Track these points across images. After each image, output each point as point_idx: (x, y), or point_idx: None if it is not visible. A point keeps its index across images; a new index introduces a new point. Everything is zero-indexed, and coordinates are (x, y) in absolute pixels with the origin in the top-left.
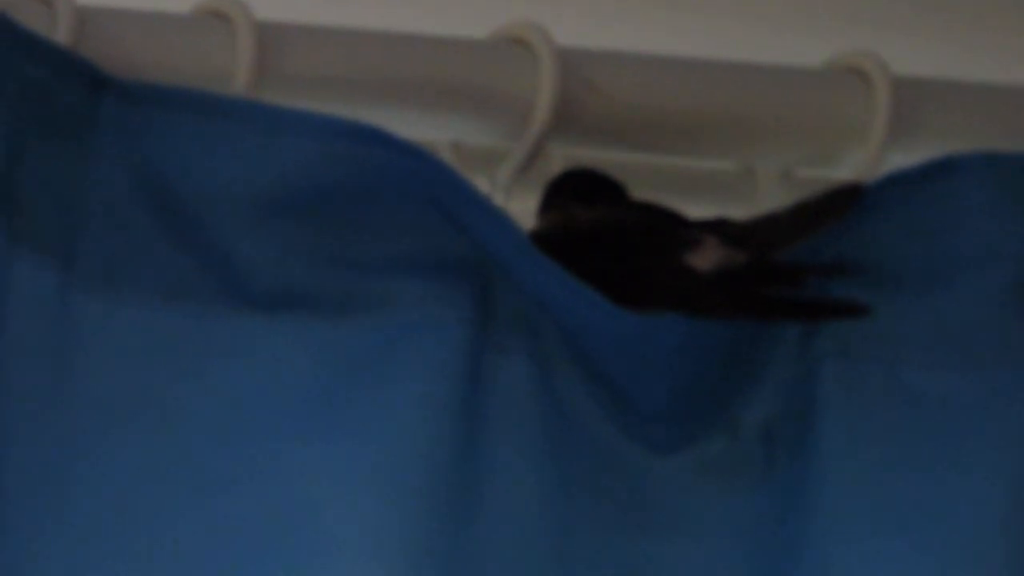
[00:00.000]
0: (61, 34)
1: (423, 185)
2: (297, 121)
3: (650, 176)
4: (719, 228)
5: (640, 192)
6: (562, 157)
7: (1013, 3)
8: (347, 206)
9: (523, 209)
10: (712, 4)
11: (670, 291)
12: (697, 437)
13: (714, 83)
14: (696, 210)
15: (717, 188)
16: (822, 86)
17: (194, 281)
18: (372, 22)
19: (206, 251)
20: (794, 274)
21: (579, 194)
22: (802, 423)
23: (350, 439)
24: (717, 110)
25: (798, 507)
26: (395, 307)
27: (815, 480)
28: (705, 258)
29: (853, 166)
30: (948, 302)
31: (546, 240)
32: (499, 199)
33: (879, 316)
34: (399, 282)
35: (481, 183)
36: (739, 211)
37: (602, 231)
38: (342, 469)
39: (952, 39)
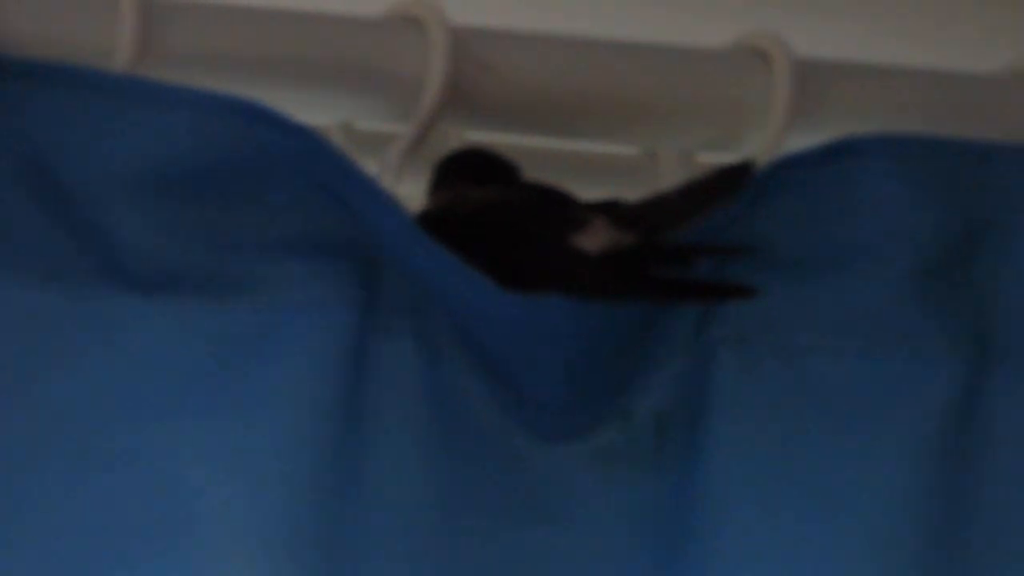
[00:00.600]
0: None
1: (308, 165)
2: (178, 97)
3: (549, 160)
4: (610, 209)
5: (540, 176)
6: (459, 139)
7: None
8: (229, 185)
9: (414, 191)
10: None
11: (556, 272)
12: (590, 426)
13: (613, 64)
14: (598, 195)
15: (619, 172)
16: (723, 67)
17: (72, 261)
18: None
19: (85, 230)
20: (683, 255)
21: (470, 174)
22: (696, 411)
23: (231, 420)
24: (616, 91)
25: (690, 496)
26: (277, 288)
27: (707, 468)
28: (593, 239)
29: (754, 149)
30: (846, 287)
31: (433, 221)
32: (388, 180)
33: (776, 301)
34: (282, 263)
35: (373, 164)
36: (641, 195)
37: (489, 211)
38: (222, 450)
39: (854, 21)
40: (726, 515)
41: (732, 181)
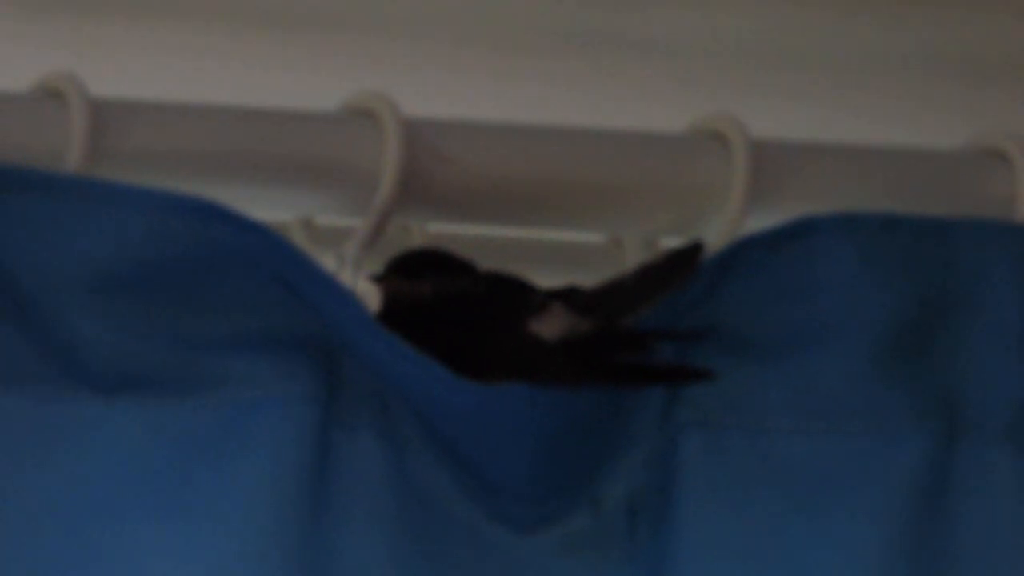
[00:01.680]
0: None
1: (264, 261)
2: (131, 197)
3: (514, 249)
4: (567, 296)
5: (505, 266)
6: (420, 232)
7: (872, 65)
8: (186, 283)
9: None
10: (565, 73)
11: (513, 360)
12: (560, 514)
13: (569, 151)
14: (565, 283)
15: (584, 259)
16: (681, 151)
17: (33, 364)
18: (214, 96)
19: (44, 333)
20: (639, 340)
21: (421, 270)
22: (664, 495)
23: (193, 520)
24: (573, 178)
25: None
26: (237, 385)
27: (678, 552)
28: (550, 325)
29: (714, 231)
30: (809, 366)
31: (391, 316)
32: (347, 275)
33: (740, 382)
34: (241, 360)
35: (332, 259)
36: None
37: (444, 301)
38: (186, 551)
39: (810, 101)
40: None
41: (685, 262)
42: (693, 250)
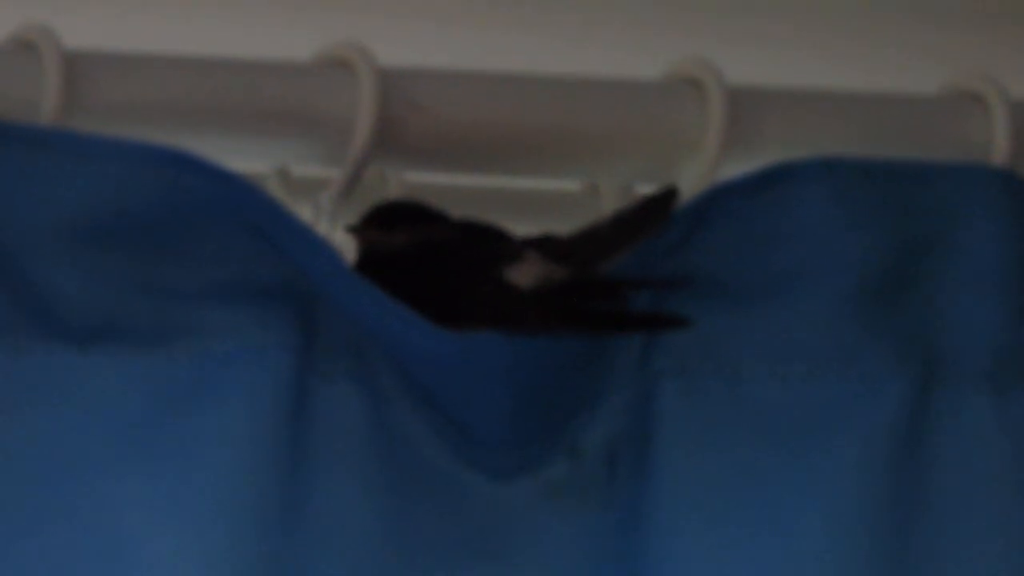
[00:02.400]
0: None
1: (238, 211)
2: (105, 148)
3: (491, 198)
4: (543, 244)
5: (481, 214)
6: (397, 181)
7: (848, 9)
8: (160, 234)
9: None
10: (541, 21)
11: (489, 308)
12: (538, 462)
13: (546, 99)
14: (542, 231)
15: (560, 207)
16: (657, 98)
17: (6, 316)
18: (188, 47)
19: (17, 284)
20: (614, 288)
21: (395, 223)
22: (643, 442)
23: (170, 471)
24: (549, 126)
25: (641, 525)
26: (213, 335)
27: (655, 499)
28: (525, 273)
29: (690, 178)
30: (787, 312)
31: (367, 265)
32: (323, 225)
33: (717, 328)
34: (217, 310)
35: (309, 209)
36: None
37: (420, 249)
38: (164, 501)
39: (785, 46)
40: (677, 544)
41: (659, 208)
42: (667, 195)
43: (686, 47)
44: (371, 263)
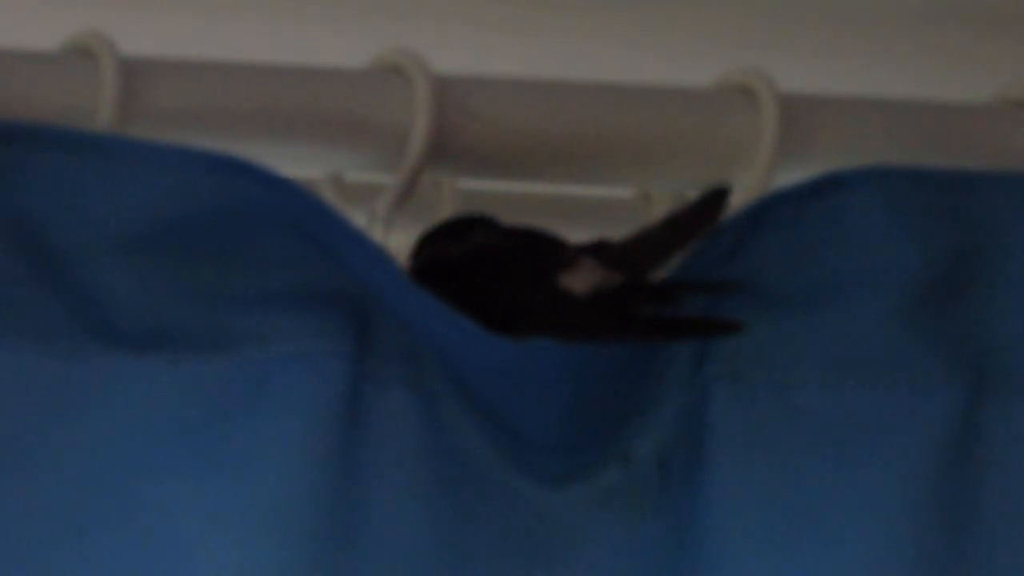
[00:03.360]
0: None
1: (293, 218)
2: (159, 154)
3: (545, 205)
4: (597, 250)
5: (534, 222)
6: (452, 188)
7: (900, 18)
8: (216, 240)
9: (404, 241)
10: (594, 28)
11: (544, 315)
12: (590, 468)
13: (599, 107)
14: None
15: (614, 215)
16: (709, 106)
17: (62, 321)
18: (244, 54)
19: (74, 290)
20: (668, 293)
21: (454, 238)
22: (695, 449)
23: (226, 476)
24: (602, 134)
25: (692, 533)
26: (268, 342)
27: (708, 505)
28: (580, 279)
29: (743, 186)
30: (839, 320)
31: (420, 273)
32: (378, 231)
33: (769, 336)
34: (272, 317)
35: (363, 216)
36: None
37: (475, 257)
38: (218, 507)
39: (838, 55)
40: (728, 552)
41: (711, 208)
42: (718, 194)
43: (738, 55)
44: (428, 271)
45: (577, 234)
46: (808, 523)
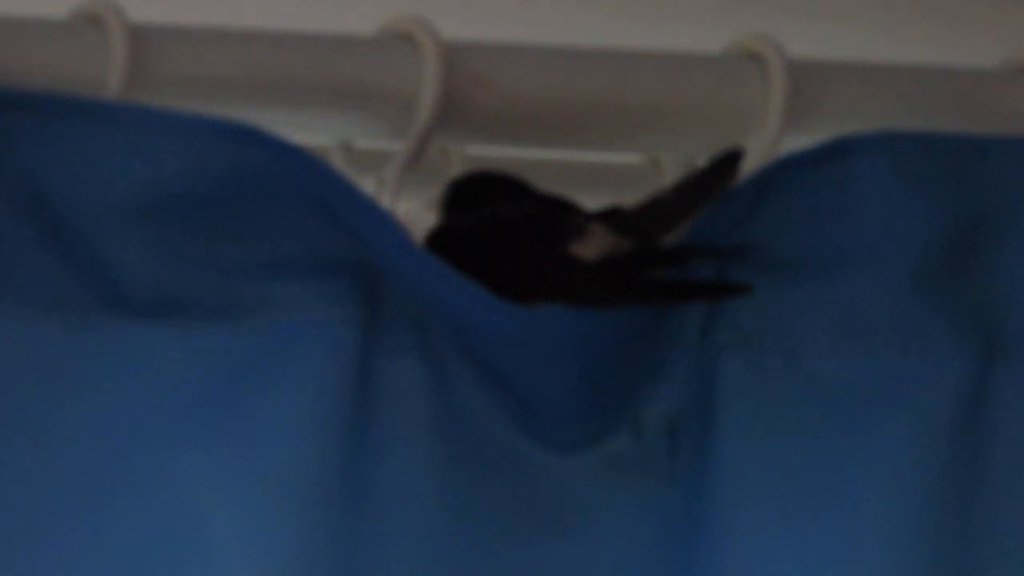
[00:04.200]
0: None
1: (303, 185)
2: (169, 122)
3: (552, 171)
4: (609, 216)
5: (543, 188)
6: (460, 155)
7: None
8: (225, 208)
9: (413, 207)
10: None
11: (554, 282)
12: (600, 436)
13: (607, 73)
14: (603, 204)
15: (623, 181)
16: (718, 72)
17: (73, 291)
18: (252, 21)
19: (85, 258)
20: (679, 258)
21: (481, 196)
22: (705, 415)
23: (237, 444)
24: (610, 100)
25: (702, 499)
26: (278, 310)
27: (718, 471)
28: (590, 246)
29: (752, 151)
30: (848, 287)
31: (437, 239)
32: (387, 198)
33: (779, 302)
34: (282, 284)
35: (372, 183)
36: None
37: (488, 225)
38: (230, 475)
39: (846, 20)
40: (738, 518)
41: (725, 171)
42: (732, 157)
43: (747, 21)
44: (440, 239)
45: (586, 200)
46: (818, 489)
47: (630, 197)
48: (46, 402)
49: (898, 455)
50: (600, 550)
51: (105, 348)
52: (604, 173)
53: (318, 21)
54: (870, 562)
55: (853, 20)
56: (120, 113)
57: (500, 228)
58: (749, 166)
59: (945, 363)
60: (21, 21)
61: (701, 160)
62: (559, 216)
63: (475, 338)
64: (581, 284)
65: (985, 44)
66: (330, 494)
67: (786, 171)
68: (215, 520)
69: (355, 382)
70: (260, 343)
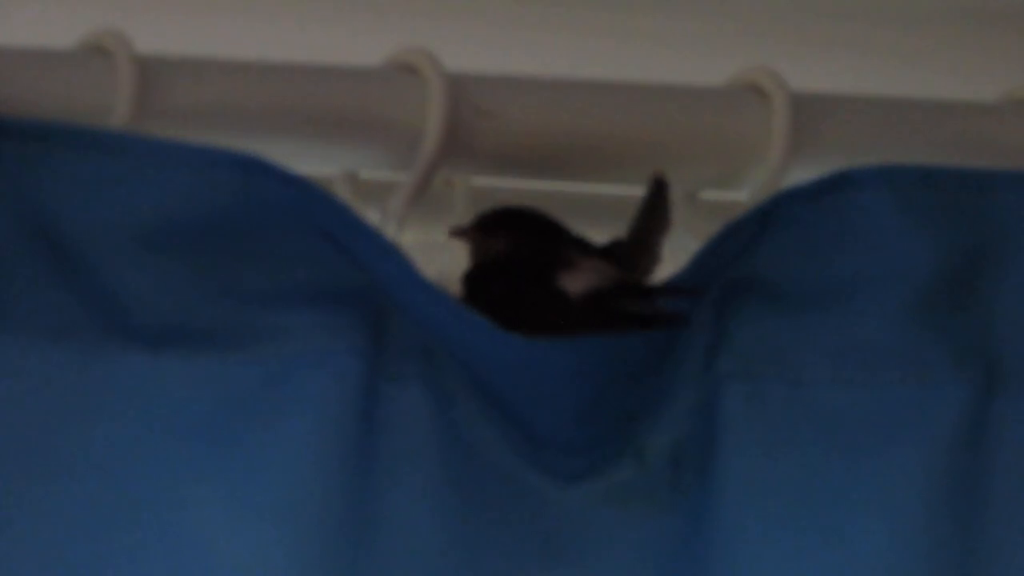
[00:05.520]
0: None
1: (308, 215)
2: (175, 152)
3: (557, 203)
4: (611, 250)
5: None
6: (464, 186)
7: (911, 17)
8: (231, 238)
9: (418, 238)
10: (608, 28)
11: (542, 315)
12: (604, 465)
13: (612, 105)
14: (604, 235)
15: (628, 213)
16: (721, 105)
17: (81, 319)
18: (259, 52)
19: (92, 288)
20: (645, 293)
21: (506, 230)
22: (707, 446)
23: (242, 473)
24: (615, 132)
25: (704, 529)
26: (284, 339)
27: (720, 501)
28: (578, 280)
29: (755, 184)
30: (849, 318)
31: (467, 276)
32: (392, 229)
33: (781, 333)
34: (288, 314)
35: (377, 214)
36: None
37: (498, 260)
38: (234, 503)
39: (848, 54)
40: (741, 547)
41: (656, 202)
42: (656, 187)
43: (750, 54)
44: (473, 273)
45: (589, 232)
46: (820, 519)
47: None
48: (52, 430)
49: (899, 484)
50: None
51: (111, 376)
52: (607, 205)
53: (324, 53)
54: None
55: (855, 54)
56: (126, 143)
57: (500, 263)
58: (751, 198)
59: (945, 393)
60: (29, 51)
61: (704, 192)
62: (554, 250)
63: (479, 368)
64: (563, 316)
65: (987, 78)
66: (334, 522)
67: (788, 203)
68: (219, 548)
69: (359, 411)
70: (265, 372)
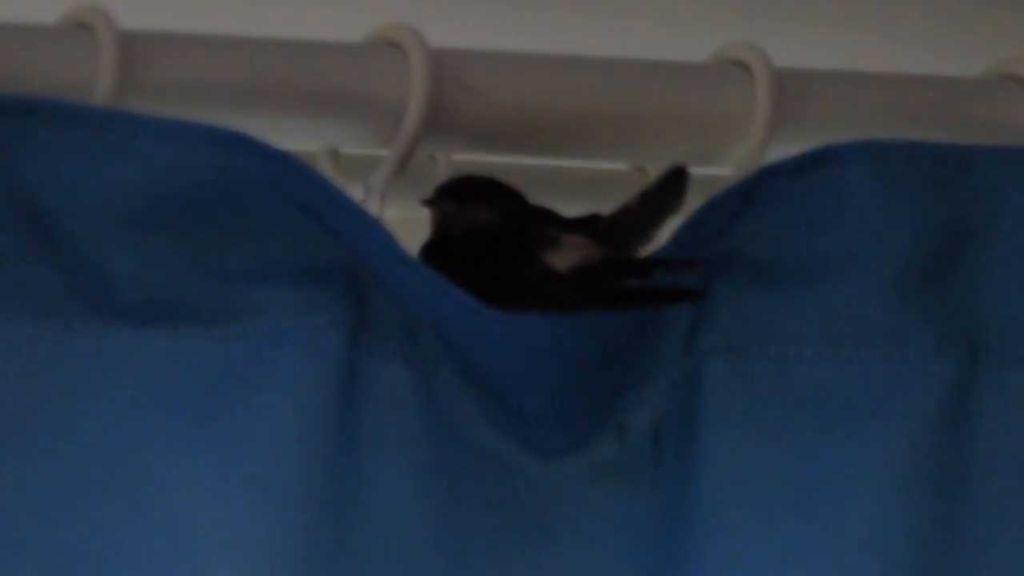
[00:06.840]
0: None
1: (290, 191)
2: (157, 127)
3: (539, 179)
4: (588, 224)
5: (529, 195)
6: (446, 162)
7: None
8: (213, 213)
9: (400, 214)
10: (592, 3)
11: (528, 291)
12: (585, 441)
13: (593, 81)
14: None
15: (610, 188)
16: (704, 81)
17: (62, 295)
18: (241, 27)
19: (70, 264)
20: (643, 268)
21: (471, 198)
22: (689, 421)
23: (223, 449)
24: (597, 108)
25: (686, 505)
26: (266, 314)
27: (702, 477)
28: (564, 257)
29: (738, 160)
30: (832, 294)
31: (428, 251)
32: (374, 205)
33: (763, 309)
34: (269, 289)
35: (360, 189)
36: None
37: (474, 234)
38: (216, 478)
39: (832, 29)
40: (722, 523)
41: (674, 187)
42: (677, 174)
43: (733, 30)
44: (431, 247)
45: (572, 207)
46: (801, 495)
47: (616, 204)
48: (34, 406)
49: (882, 459)
50: (585, 555)
51: (93, 352)
52: (590, 180)
53: (307, 28)
54: (854, 566)
55: (838, 28)
56: (108, 118)
57: (480, 239)
58: (734, 173)
59: (928, 368)
60: (10, 27)
61: (688, 168)
62: (535, 227)
63: (461, 344)
64: (553, 293)
65: (971, 53)
66: (316, 497)
67: (771, 179)
68: (201, 523)
69: (342, 386)
70: (248, 347)
